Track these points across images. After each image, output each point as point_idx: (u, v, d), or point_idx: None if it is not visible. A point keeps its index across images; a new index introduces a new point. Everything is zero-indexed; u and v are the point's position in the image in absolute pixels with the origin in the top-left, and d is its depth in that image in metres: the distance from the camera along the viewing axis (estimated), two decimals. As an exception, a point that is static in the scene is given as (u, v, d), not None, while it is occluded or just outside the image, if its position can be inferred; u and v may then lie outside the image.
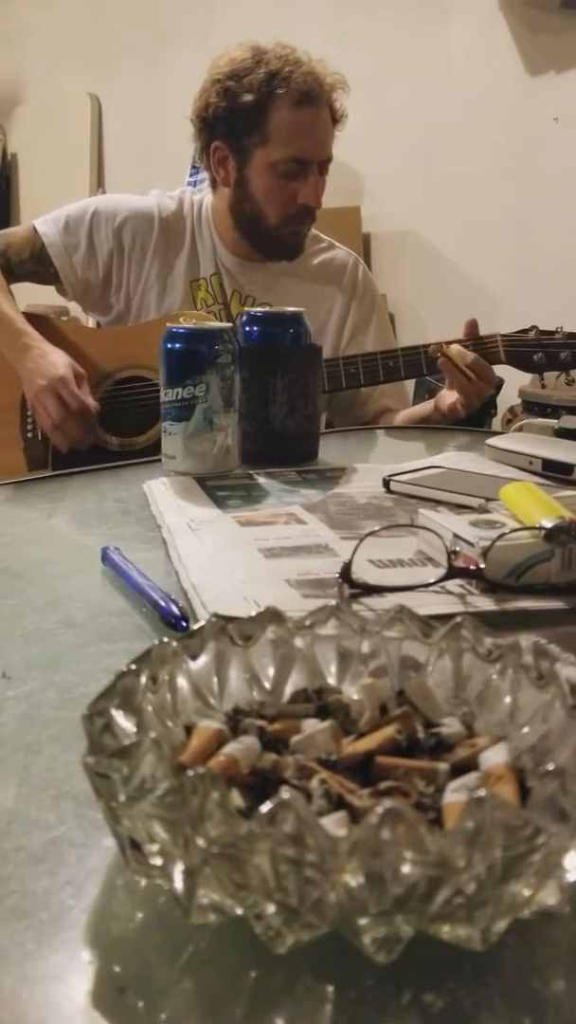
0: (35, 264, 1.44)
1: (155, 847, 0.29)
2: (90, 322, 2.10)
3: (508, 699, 0.37)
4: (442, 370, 1.24)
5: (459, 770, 0.33)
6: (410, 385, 2.51)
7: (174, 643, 0.38)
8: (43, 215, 1.47)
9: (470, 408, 1.27)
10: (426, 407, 1.37)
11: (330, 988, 0.28)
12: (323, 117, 1.36)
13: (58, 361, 1.27)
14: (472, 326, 1.27)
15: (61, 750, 0.42)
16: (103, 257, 1.44)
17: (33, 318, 1.36)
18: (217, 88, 1.35)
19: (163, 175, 2.78)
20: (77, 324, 1.60)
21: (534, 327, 1.28)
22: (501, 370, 1.28)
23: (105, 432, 1.34)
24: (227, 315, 1.43)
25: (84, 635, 0.55)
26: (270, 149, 1.34)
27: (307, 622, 0.41)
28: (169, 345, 0.90)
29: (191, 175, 2.93)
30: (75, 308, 2.06)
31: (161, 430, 0.92)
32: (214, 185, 1.44)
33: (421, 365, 1.29)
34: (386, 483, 0.86)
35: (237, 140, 1.37)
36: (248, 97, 1.32)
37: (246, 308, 1.10)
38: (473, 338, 1.27)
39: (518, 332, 1.28)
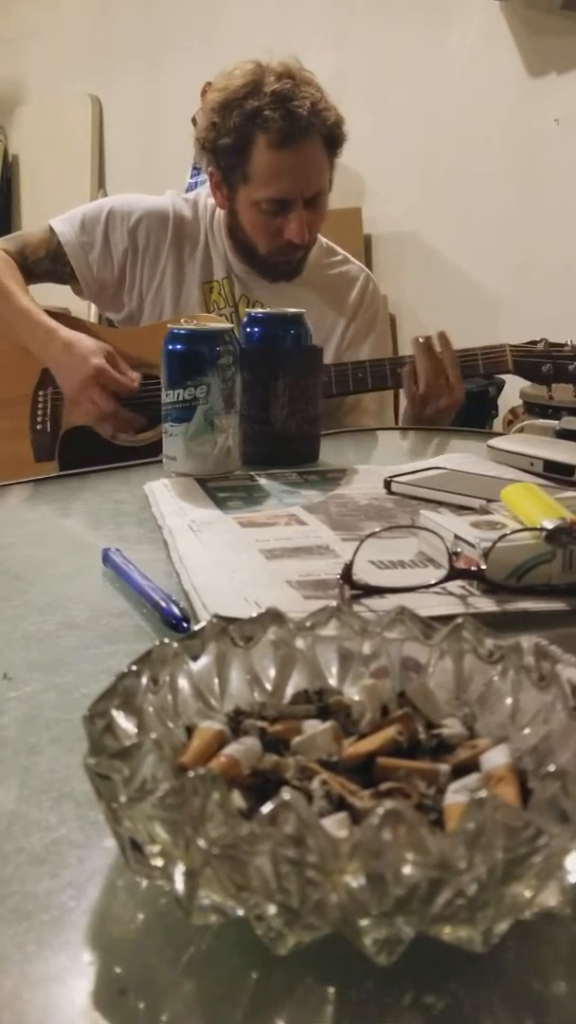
0: (51, 263, 1.45)
1: (156, 848, 0.29)
2: (92, 318, 2.10)
3: (509, 700, 0.37)
4: (416, 354, 1.24)
5: (460, 771, 0.33)
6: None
7: (175, 644, 0.38)
8: (45, 216, 1.49)
9: (426, 403, 1.27)
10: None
11: (331, 989, 0.28)
12: (306, 156, 1.32)
13: (86, 350, 1.28)
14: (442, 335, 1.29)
15: (62, 751, 0.42)
16: (118, 256, 1.44)
17: (52, 316, 1.37)
18: (210, 118, 1.35)
19: (164, 176, 2.78)
20: (91, 324, 1.61)
21: (543, 339, 1.28)
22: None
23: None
24: (237, 319, 1.44)
25: (85, 636, 0.55)
26: (251, 188, 1.34)
27: (308, 623, 0.41)
28: (170, 346, 0.90)
29: (192, 175, 2.93)
30: (78, 310, 2.07)
31: (162, 431, 0.92)
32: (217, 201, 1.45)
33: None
34: (387, 484, 0.86)
35: (225, 173, 1.37)
36: (227, 140, 1.33)
37: (247, 310, 1.10)
38: (481, 347, 1.28)
39: (527, 343, 1.28)
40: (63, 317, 1.40)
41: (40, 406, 1.39)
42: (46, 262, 1.44)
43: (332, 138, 1.35)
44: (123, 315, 1.49)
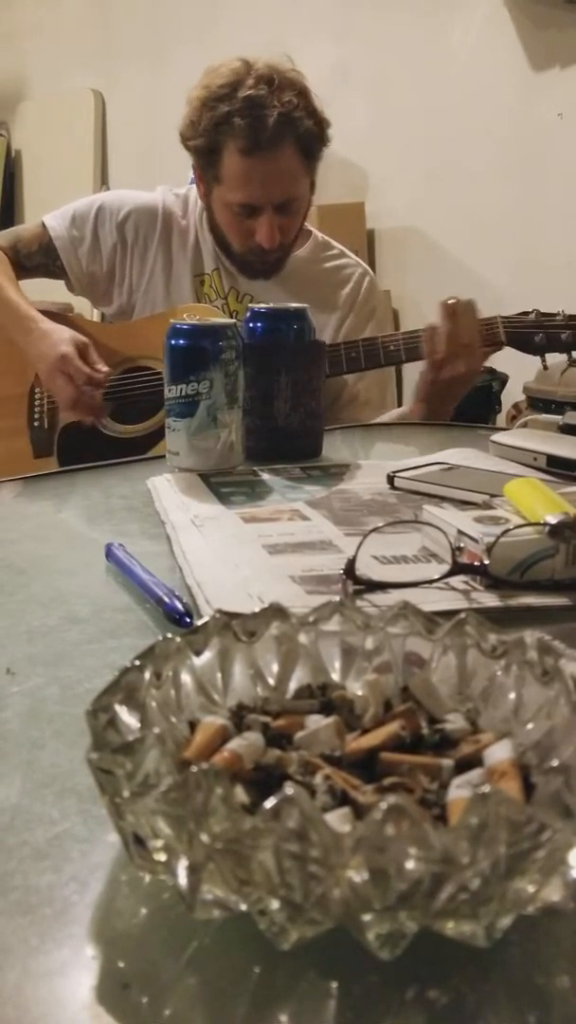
0: (43, 257, 1.46)
1: (159, 843, 0.29)
2: (94, 315, 2.10)
3: (512, 695, 0.37)
4: (441, 316, 1.21)
5: (463, 766, 0.33)
6: (413, 384, 2.52)
7: (178, 639, 0.38)
8: (47, 212, 1.50)
9: (443, 367, 1.22)
10: (407, 407, 1.36)
11: (334, 984, 0.28)
12: (275, 164, 1.31)
13: (58, 338, 1.29)
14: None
15: (65, 746, 0.42)
16: (107, 251, 1.45)
17: (48, 315, 1.37)
18: (189, 115, 1.34)
19: (167, 172, 2.77)
20: (83, 318, 1.62)
21: (535, 310, 1.28)
22: (505, 365, 1.28)
23: (114, 421, 1.35)
24: (228, 311, 1.43)
25: (88, 631, 0.55)
26: (223, 190, 1.34)
27: (311, 618, 0.41)
28: (173, 341, 0.90)
29: (194, 176, 2.93)
30: (79, 306, 2.07)
31: (165, 426, 0.92)
32: None
33: (420, 349, 1.28)
34: (390, 479, 0.86)
35: (202, 170, 1.38)
36: (200, 141, 1.32)
37: (250, 305, 1.09)
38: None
39: (519, 314, 1.28)
40: (59, 316, 1.40)
41: (37, 403, 1.40)
42: (38, 256, 1.46)
43: (308, 146, 1.33)
44: (114, 309, 1.50)
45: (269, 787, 0.31)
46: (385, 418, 1.40)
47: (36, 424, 1.40)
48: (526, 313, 1.28)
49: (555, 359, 1.33)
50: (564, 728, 0.35)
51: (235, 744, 0.34)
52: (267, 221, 1.33)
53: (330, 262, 1.50)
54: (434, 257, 2.91)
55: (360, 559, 0.60)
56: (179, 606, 0.56)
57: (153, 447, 1.30)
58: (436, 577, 0.60)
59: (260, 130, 1.27)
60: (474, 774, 0.33)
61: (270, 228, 1.33)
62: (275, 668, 0.40)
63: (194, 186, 1.48)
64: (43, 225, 1.47)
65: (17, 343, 1.35)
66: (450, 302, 1.23)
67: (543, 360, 1.31)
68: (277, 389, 0.96)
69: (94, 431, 1.35)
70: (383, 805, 0.26)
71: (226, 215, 1.36)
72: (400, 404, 1.57)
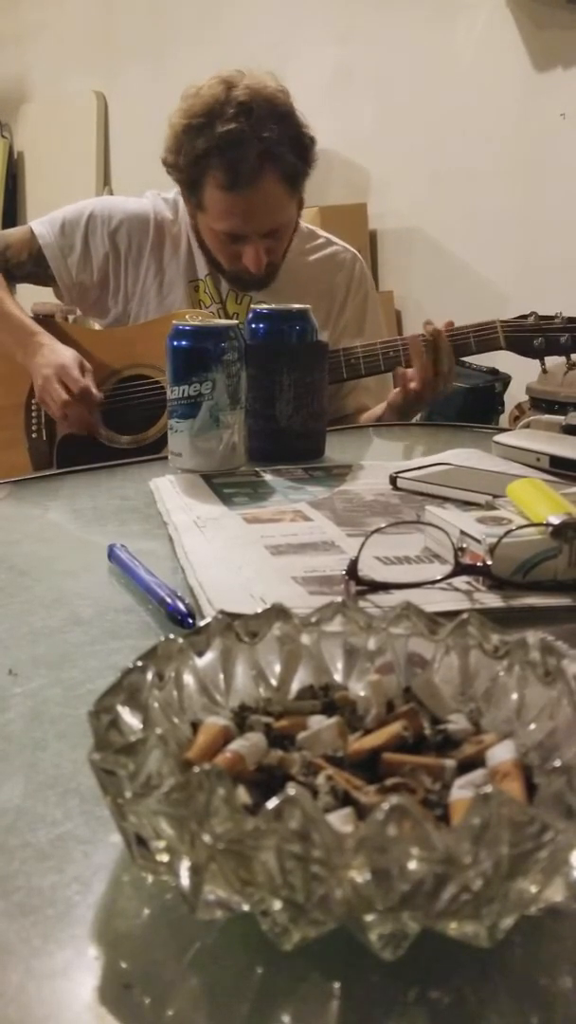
0: (33, 266, 1.45)
1: (161, 843, 0.29)
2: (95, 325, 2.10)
3: (515, 696, 0.37)
4: (411, 354, 1.24)
5: (466, 767, 0.33)
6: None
7: (180, 640, 0.38)
8: (50, 213, 1.48)
9: (423, 397, 1.27)
10: (382, 405, 1.37)
11: (336, 984, 0.28)
12: (257, 198, 1.28)
13: (64, 353, 1.29)
14: (449, 324, 1.28)
15: (68, 747, 0.42)
16: (98, 260, 1.44)
17: (38, 320, 1.37)
18: (169, 141, 1.32)
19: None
20: (81, 326, 1.61)
21: (533, 313, 1.28)
22: (508, 366, 1.28)
23: (110, 430, 1.35)
24: (224, 315, 1.43)
25: (91, 632, 0.55)
26: (208, 218, 1.34)
27: (313, 619, 0.41)
28: (175, 343, 0.90)
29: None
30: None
31: (168, 427, 0.92)
32: None
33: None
34: (393, 480, 0.86)
35: (186, 195, 1.37)
36: (181, 174, 1.32)
37: (252, 306, 1.09)
38: (472, 326, 1.28)
39: (517, 318, 1.28)
40: (55, 325, 1.40)
41: (34, 414, 1.39)
42: (28, 265, 1.44)
43: (291, 175, 1.31)
44: (109, 319, 1.49)
45: (271, 788, 0.31)
46: (363, 419, 1.41)
47: (34, 436, 1.39)
48: (524, 316, 1.28)
49: (553, 360, 1.33)
50: (566, 729, 0.35)
51: (237, 745, 0.34)
52: (253, 248, 1.32)
53: (318, 252, 1.49)
54: (436, 257, 2.91)
55: (362, 560, 0.60)
56: (182, 607, 0.56)
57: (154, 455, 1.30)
58: (439, 578, 0.60)
59: (240, 166, 1.25)
60: (477, 775, 0.33)
61: (256, 255, 1.32)
62: (277, 669, 0.40)
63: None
64: (31, 232, 1.45)
65: (16, 358, 1.34)
66: (428, 328, 1.24)
67: (542, 364, 1.31)
68: (279, 390, 0.96)
69: (94, 442, 1.35)
70: (385, 805, 0.26)
71: (212, 239, 1.36)
72: None
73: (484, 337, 1.26)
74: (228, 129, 1.25)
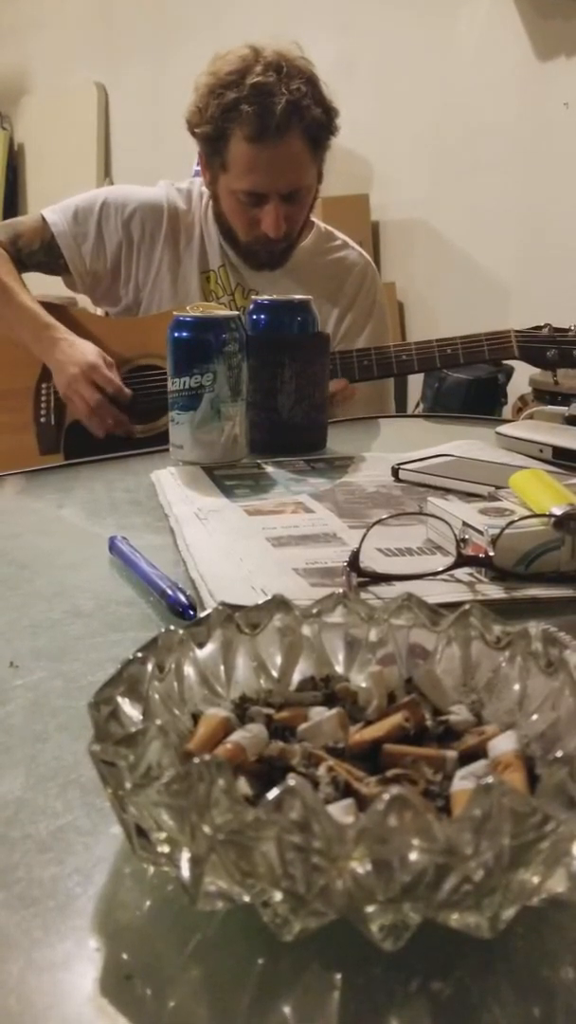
0: (45, 255, 1.44)
1: (162, 835, 0.29)
2: (98, 312, 2.10)
3: (517, 687, 0.37)
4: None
5: (467, 758, 0.33)
6: (418, 378, 2.51)
7: (181, 631, 0.38)
8: (51, 205, 1.47)
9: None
10: None
11: (337, 976, 0.28)
12: (283, 153, 1.30)
13: (87, 349, 1.29)
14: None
15: (69, 739, 0.42)
16: (112, 248, 1.43)
17: (48, 308, 1.37)
18: (196, 102, 1.33)
19: (170, 165, 2.77)
20: (91, 314, 1.61)
21: (547, 324, 1.28)
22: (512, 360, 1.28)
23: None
24: (234, 307, 1.43)
25: (92, 625, 0.55)
26: (229, 178, 1.33)
27: (315, 610, 0.41)
28: (176, 334, 0.90)
29: (198, 164, 2.92)
30: (83, 298, 2.07)
31: (169, 420, 0.92)
32: None
33: (434, 359, 1.29)
34: (395, 471, 0.85)
35: (208, 158, 1.37)
36: (207, 128, 1.31)
37: (253, 297, 1.09)
38: (486, 333, 1.27)
39: (531, 329, 1.28)
40: (62, 310, 1.40)
41: (43, 398, 1.39)
42: (40, 254, 1.44)
43: (315, 135, 1.32)
44: (120, 308, 1.48)
45: (272, 779, 0.31)
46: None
47: (42, 420, 1.39)
48: (539, 328, 1.28)
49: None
50: (568, 719, 0.34)
51: (238, 736, 0.34)
52: (273, 210, 1.32)
53: (334, 253, 1.49)
54: (439, 249, 2.90)
55: (364, 551, 0.60)
56: (183, 599, 0.55)
57: (161, 445, 1.30)
58: (441, 569, 0.59)
59: (268, 117, 1.27)
60: (478, 765, 0.32)
61: (276, 217, 1.33)
62: (278, 660, 0.40)
63: (197, 179, 1.47)
64: (43, 220, 1.44)
65: (33, 350, 1.33)
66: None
67: (554, 375, 1.31)
68: (281, 382, 0.96)
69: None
70: (386, 796, 0.26)
71: (232, 203, 1.35)
72: (397, 399, 1.57)
73: (497, 346, 1.26)
74: (257, 82, 1.27)
